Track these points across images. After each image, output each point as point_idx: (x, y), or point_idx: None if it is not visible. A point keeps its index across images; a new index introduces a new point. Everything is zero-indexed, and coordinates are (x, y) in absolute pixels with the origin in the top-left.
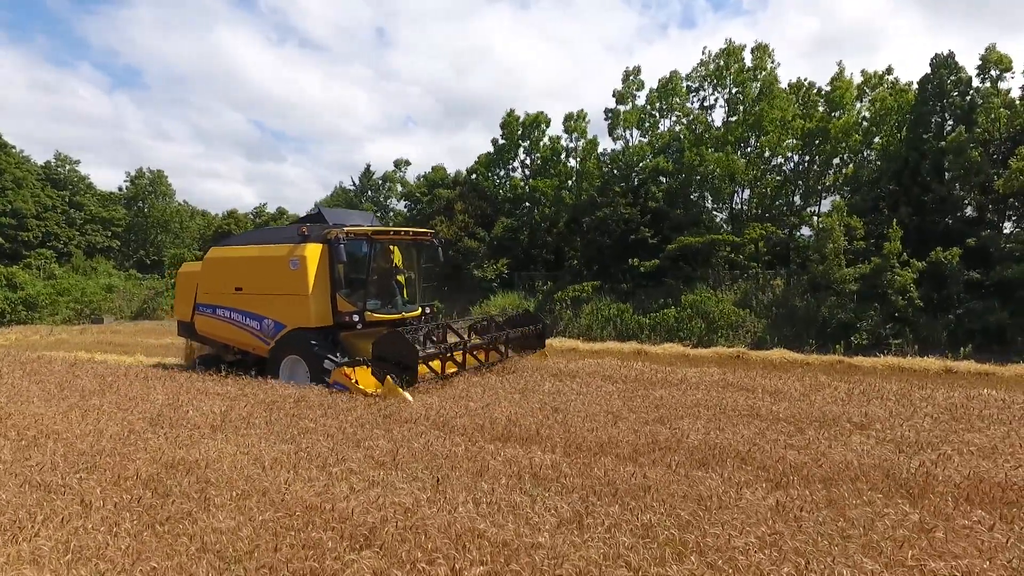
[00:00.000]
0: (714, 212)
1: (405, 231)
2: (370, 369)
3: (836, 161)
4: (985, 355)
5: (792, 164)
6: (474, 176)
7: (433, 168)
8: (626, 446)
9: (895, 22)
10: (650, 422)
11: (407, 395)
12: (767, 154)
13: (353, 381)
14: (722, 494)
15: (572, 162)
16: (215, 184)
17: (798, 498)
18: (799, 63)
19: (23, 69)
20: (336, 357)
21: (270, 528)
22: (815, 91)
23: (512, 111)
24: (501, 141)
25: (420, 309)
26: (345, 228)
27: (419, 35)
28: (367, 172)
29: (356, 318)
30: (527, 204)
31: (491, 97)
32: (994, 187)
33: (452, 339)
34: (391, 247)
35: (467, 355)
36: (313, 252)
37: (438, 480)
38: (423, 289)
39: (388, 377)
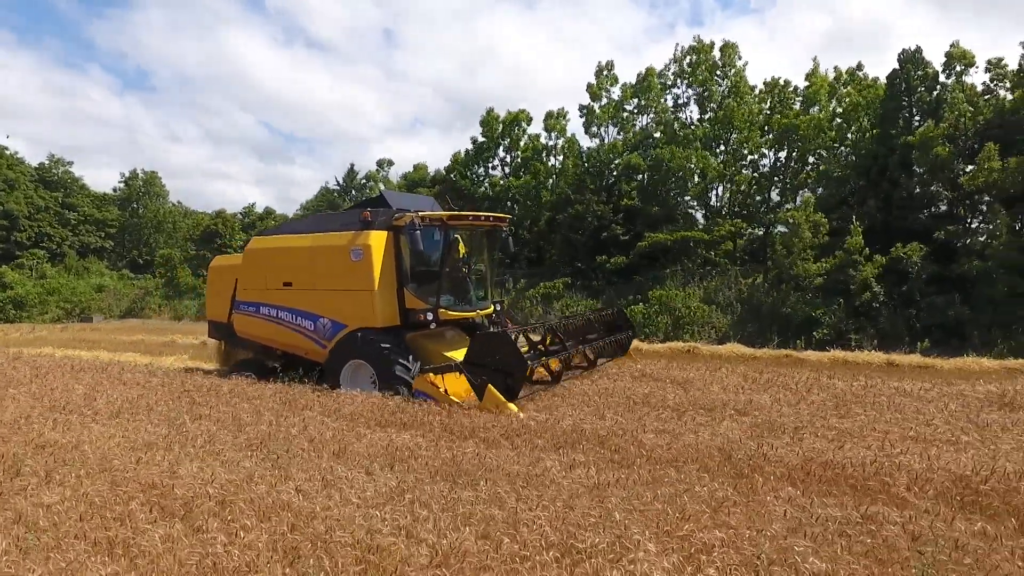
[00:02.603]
0: (692, 210)
1: (485, 216)
2: (463, 376)
3: (813, 159)
4: (943, 349)
5: (768, 161)
6: (453, 175)
7: (415, 167)
8: (496, 430)
9: (905, 19)
10: (540, 409)
11: (513, 406)
12: (743, 151)
13: (441, 390)
14: (556, 473)
15: (554, 160)
16: (225, 185)
17: (627, 477)
18: (807, 61)
19: (35, 72)
20: (408, 361)
21: (91, 502)
22: (790, 88)
23: (491, 109)
24: (480, 139)
25: (493, 306)
26: (419, 213)
27: (427, 36)
28: (351, 172)
29: (429, 316)
30: (508, 203)
31: (500, 97)
32: (960, 182)
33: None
34: (456, 236)
35: (568, 360)
36: (378, 240)
37: (278, 458)
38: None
39: (490, 386)
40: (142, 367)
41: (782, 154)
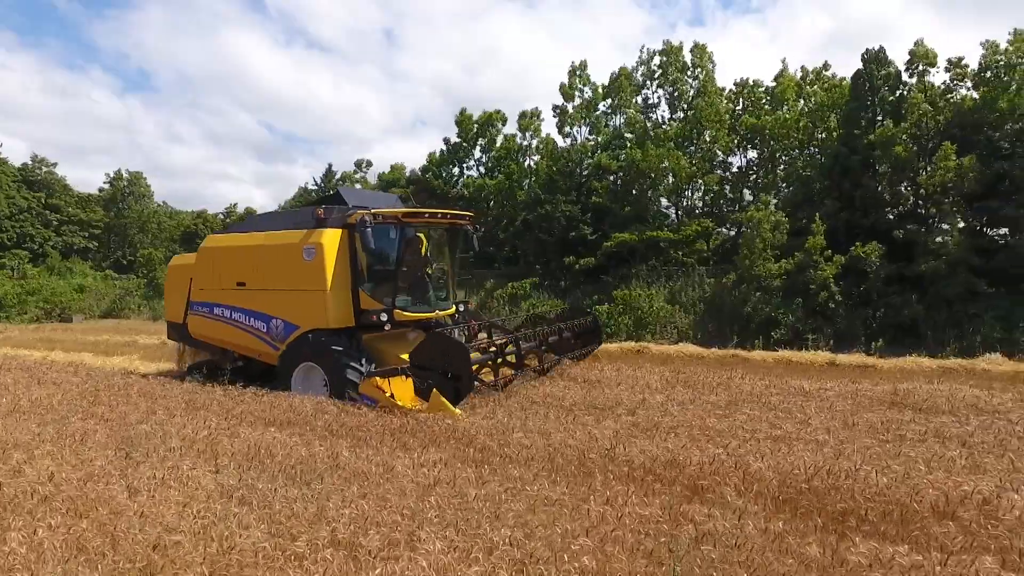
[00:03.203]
0: (667, 210)
1: (442, 214)
2: (410, 380)
3: (786, 159)
4: (897, 349)
5: (741, 162)
6: (427, 175)
7: (392, 167)
8: (374, 429)
9: (906, 19)
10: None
11: (457, 410)
12: (715, 151)
13: (388, 394)
14: (401, 471)
15: (531, 160)
16: (226, 186)
17: (467, 476)
18: (808, 61)
19: (36, 72)
20: (360, 365)
21: None
22: (760, 89)
23: (464, 110)
24: (455, 139)
25: (455, 306)
26: (372, 210)
27: (427, 36)
28: (328, 172)
29: (384, 317)
30: (484, 203)
31: (501, 97)
32: (918, 182)
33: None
34: (420, 234)
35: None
36: (332, 239)
37: (127, 455)
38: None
39: (435, 390)
40: (72, 367)
41: (754, 154)
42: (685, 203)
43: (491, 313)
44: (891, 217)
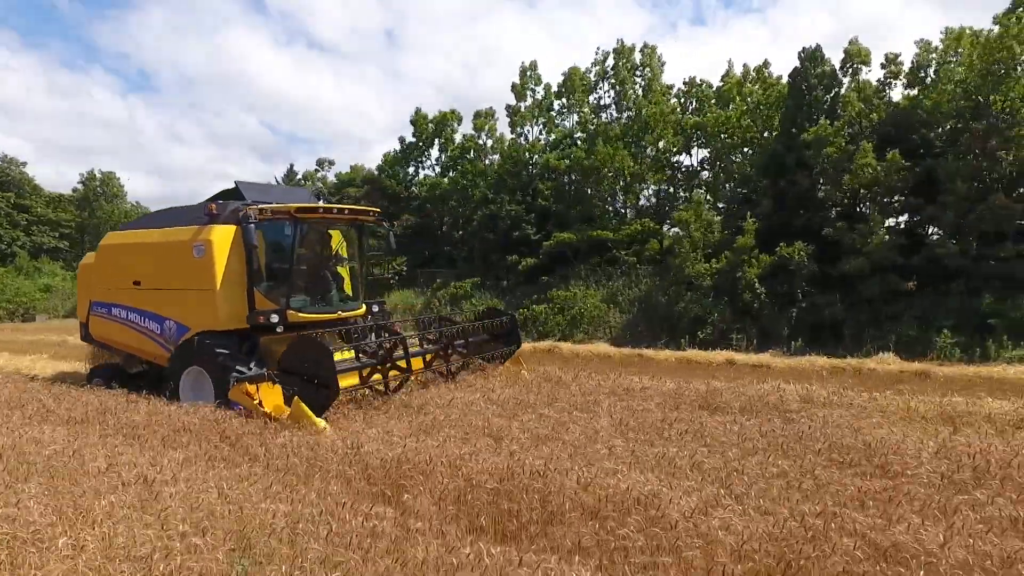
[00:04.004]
0: (622, 209)
1: (340, 209)
2: (278, 386)
3: (737, 158)
4: (819, 348)
5: (691, 162)
6: (381, 175)
7: (351, 167)
8: (164, 430)
9: (906, 17)
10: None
11: (320, 421)
12: (662, 151)
13: (256, 401)
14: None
15: (491, 159)
16: (227, 187)
17: (197, 473)
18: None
19: (37, 73)
20: (249, 369)
21: None
22: (709, 88)
23: (419, 109)
24: (410, 139)
25: (364, 307)
26: (259, 205)
27: (429, 36)
28: (290, 172)
29: (275, 318)
30: (441, 203)
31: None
32: (844, 181)
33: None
34: (328, 231)
35: (410, 363)
36: (222, 236)
37: None
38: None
39: (296, 398)
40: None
41: (704, 154)
42: (640, 203)
43: (434, 314)
44: (823, 216)
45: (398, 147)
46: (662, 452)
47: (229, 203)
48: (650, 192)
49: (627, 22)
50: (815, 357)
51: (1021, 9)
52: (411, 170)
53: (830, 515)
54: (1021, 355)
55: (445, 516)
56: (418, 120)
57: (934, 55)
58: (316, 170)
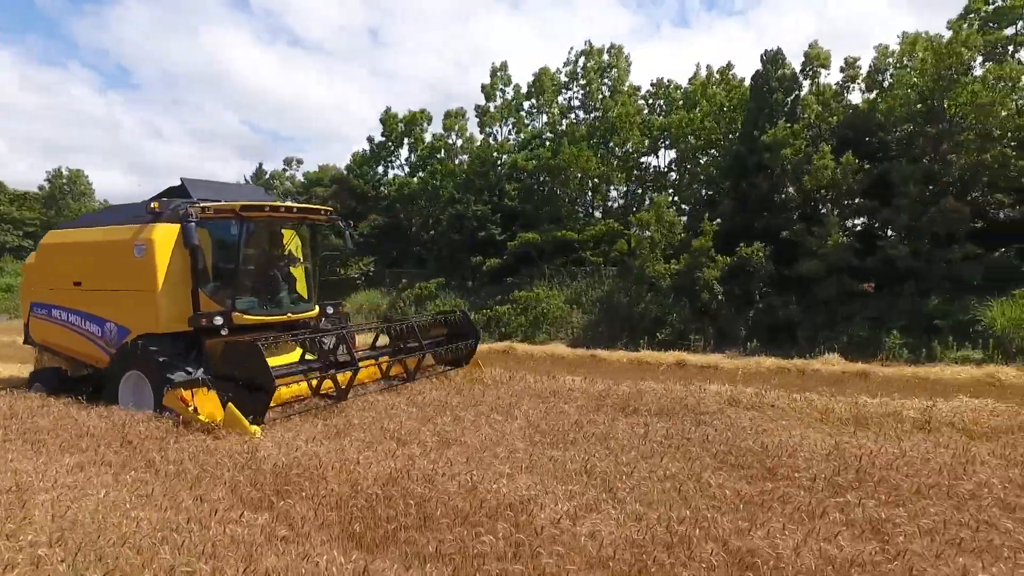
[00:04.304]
0: (592, 210)
1: (288, 207)
2: (214, 392)
3: (704, 159)
4: (775, 349)
5: (660, 162)
6: (351, 175)
7: (320, 167)
8: (67, 434)
9: (888, 20)
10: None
11: (254, 427)
12: (630, 152)
13: (191, 408)
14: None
15: (462, 159)
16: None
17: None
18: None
19: (14, 69)
20: (190, 373)
21: None
22: (677, 90)
23: (389, 108)
24: (379, 138)
25: (318, 308)
26: (201, 203)
27: (413, 35)
28: (259, 171)
29: (219, 320)
30: (410, 203)
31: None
32: (802, 182)
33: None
34: (281, 231)
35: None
36: (164, 235)
37: None
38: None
39: (231, 405)
40: None
41: (672, 155)
42: (608, 204)
43: (397, 314)
44: (783, 218)
45: (367, 146)
46: (559, 456)
47: (172, 201)
48: (618, 193)
49: (612, 23)
50: (763, 358)
51: (972, 16)
52: (380, 170)
53: (699, 520)
54: (965, 355)
55: (320, 523)
56: (388, 119)
57: (891, 59)
58: (284, 169)
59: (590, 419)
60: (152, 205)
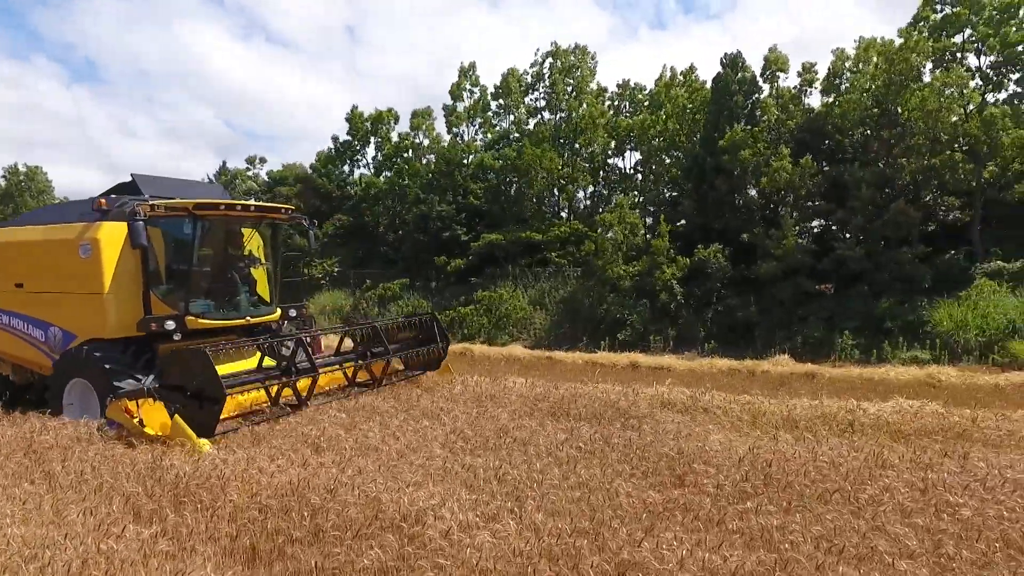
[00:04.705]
0: (559, 211)
1: (245, 205)
2: (160, 403)
3: (668, 160)
4: (732, 349)
5: (627, 164)
6: (316, 174)
7: (284, 166)
8: None
9: (858, 24)
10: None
11: (203, 442)
12: (596, 153)
13: (135, 420)
14: None
15: (429, 159)
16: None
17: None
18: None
19: None
20: (140, 380)
21: None
22: (642, 91)
23: (355, 107)
24: (344, 137)
25: (279, 311)
26: (150, 201)
27: (391, 34)
28: (223, 169)
29: (171, 325)
30: (376, 203)
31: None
32: (761, 184)
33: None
34: (240, 230)
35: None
36: (112, 234)
37: None
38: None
39: (176, 416)
40: None
41: (637, 156)
42: (578, 206)
43: (360, 315)
44: (742, 220)
45: (331, 146)
46: (475, 463)
47: (121, 198)
48: (584, 194)
49: (590, 24)
50: (717, 359)
51: (921, 23)
52: (346, 169)
53: (597, 531)
54: (914, 356)
55: (210, 536)
56: (353, 118)
57: (848, 63)
58: (247, 168)
59: (518, 424)
60: (98, 202)
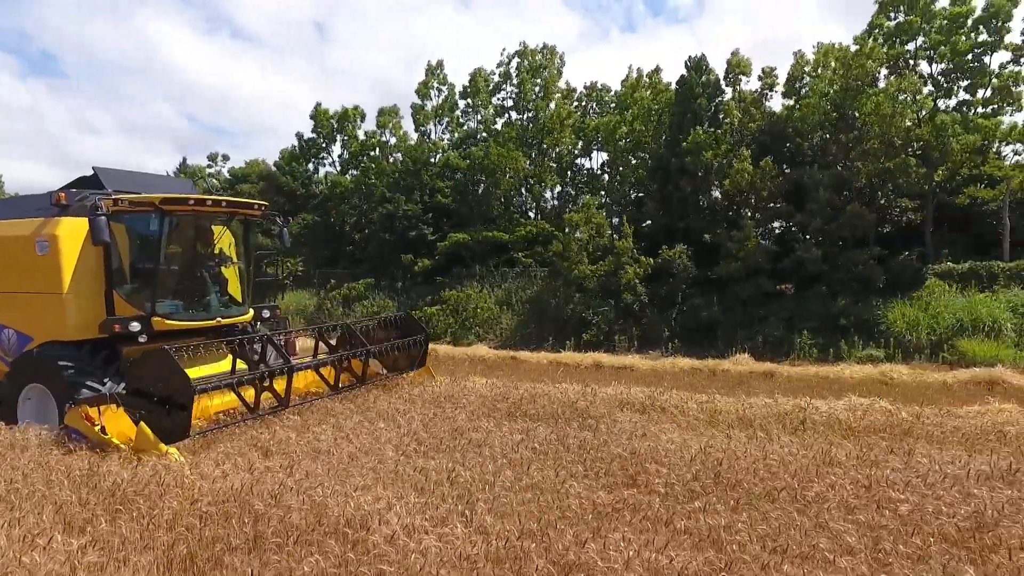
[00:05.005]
0: (528, 211)
1: (216, 200)
2: (123, 409)
3: (634, 161)
4: (695, 349)
5: (590, 165)
6: (279, 171)
7: (246, 163)
8: None
9: (816, 32)
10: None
11: (172, 450)
12: (564, 153)
13: (97, 428)
14: None
15: (396, 157)
16: None
17: None
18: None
19: None
20: (103, 384)
21: None
22: (608, 92)
23: (319, 104)
24: (309, 135)
25: (252, 312)
26: (114, 195)
27: (360, 31)
28: (184, 166)
29: (136, 326)
30: (342, 202)
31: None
32: (724, 186)
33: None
34: (211, 227)
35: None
36: (72, 230)
37: None
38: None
39: (142, 423)
40: None
41: (604, 157)
42: (545, 206)
43: (323, 315)
44: (706, 221)
45: (296, 143)
46: (428, 465)
47: (81, 192)
48: (552, 194)
49: (560, 26)
50: (679, 359)
51: (876, 30)
52: (310, 167)
53: (544, 532)
54: (869, 355)
55: (144, 545)
56: (318, 116)
57: (807, 68)
58: (208, 164)
59: (475, 425)
60: (57, 196)
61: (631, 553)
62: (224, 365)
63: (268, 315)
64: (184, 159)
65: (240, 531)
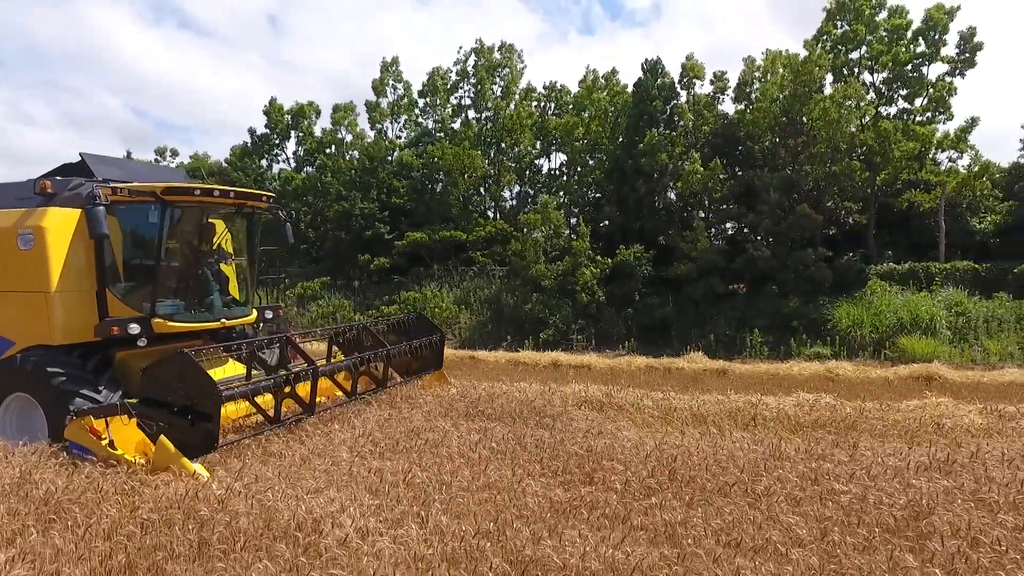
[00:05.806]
0: (487, 211)
1: (223, 191)
2: (135, 420)
3: (592, 162)
4: (651, 348)
5: (549, 165)
6: (230, 167)
7: (192, 156)
8: None
9: (766, 38)
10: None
11: (197, 467)
12: (523, 153)
13: (105, 441)
14: None
15: (351, 155)
16: None
17: None
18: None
19: None
20: (99, 393)
21: None
22: (566, 93)
23: (274, 99)
24: (262, 130)
25: (256, 313)
26: (112, 183)
27: (315, 27)
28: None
29: (135, 329)
30: (296, 199)
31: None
32: (677, 187)
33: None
34: (210, 221)
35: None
36: (60, 222)
37: None
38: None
39: (163, 436)
40: None
41: (563, 158)
42: (504, 206)
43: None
44: (660, 221)
45: (248, 138)
46: (383, 466)
47: (70, 180)
48: (511, 193)
49: (519, 27)
50: (636, 357)
51: (824, 37)
52: (263, 163)
53: (501, 531)
54: (816, 352)
55: (79, 556)
56: (272, 111)
57: (757, 73)
58: (156, 160)
59: (432, 425)
60: (43, 184)
61: (587, 548)
62: (229, 370)
63: (270, 315)
64: (128, 153)
65: (184, 538)
